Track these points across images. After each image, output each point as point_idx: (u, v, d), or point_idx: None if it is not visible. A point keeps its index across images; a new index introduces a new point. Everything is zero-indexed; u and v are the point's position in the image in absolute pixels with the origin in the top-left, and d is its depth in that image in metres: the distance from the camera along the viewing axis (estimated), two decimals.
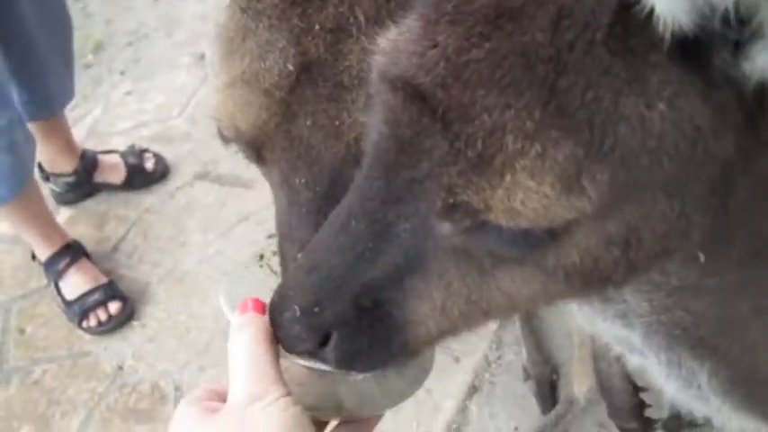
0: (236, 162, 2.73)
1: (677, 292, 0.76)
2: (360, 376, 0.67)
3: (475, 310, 0.63)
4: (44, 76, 2.16)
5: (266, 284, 0.83)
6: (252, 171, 2.67)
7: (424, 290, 0.61)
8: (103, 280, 2.31)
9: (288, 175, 0.78)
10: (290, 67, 0.75)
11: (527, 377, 2.03)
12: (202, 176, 2.66)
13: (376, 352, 0.64)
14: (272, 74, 0.75)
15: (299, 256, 0.69)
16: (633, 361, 1.04)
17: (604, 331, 0.98)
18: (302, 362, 0.66)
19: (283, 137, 0.77)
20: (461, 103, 0.53)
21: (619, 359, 1.25)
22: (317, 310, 0.62)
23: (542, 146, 0.51)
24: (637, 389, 1.35)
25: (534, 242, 0.56)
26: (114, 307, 2.26)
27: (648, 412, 1.39)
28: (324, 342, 0.63)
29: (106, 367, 2.19)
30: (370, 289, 0.62)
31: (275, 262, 0.88)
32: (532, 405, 1.99)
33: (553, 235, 0.56)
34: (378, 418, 0.73)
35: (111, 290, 2.29)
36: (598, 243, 0.58)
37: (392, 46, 0.59)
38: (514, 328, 2.13)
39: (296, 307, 0.62)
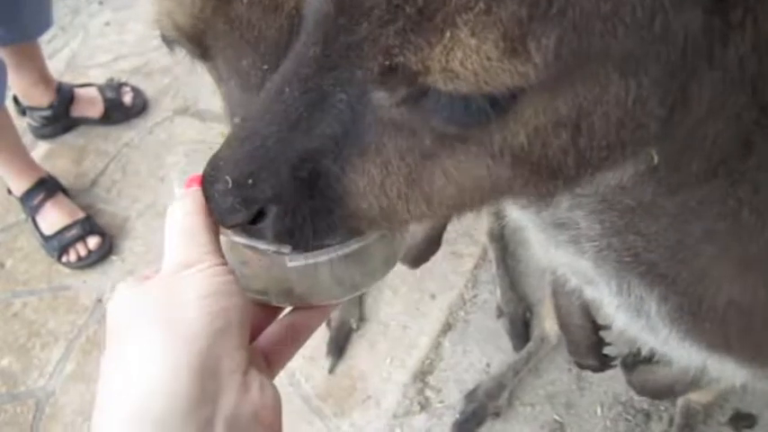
0: (216, 97, 2.69)
1: (630, 213, 0.75)
2: (301, 259, 0.63)
3: (416, 194, 0.60)
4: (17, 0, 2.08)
5: None
6: None
7: (361, 165, 0.58)
8: (81, 215, 2.30)
9: (234, 61, 0.75)
10: None
11: (500, 315, 2.05)
12: (182, 112, 2.62)
13: (315, 227, 0.61)
14: None
15: (234, 128, 0.65)
16: (588, 293, 1.04)
17: (558, 261, 0.97)
18: (244, 240, 0.63)
19: (223, 21, 0.74)
20: None
21: (577, 295, 1.25)
22: (250, 181, 0.59)
23: (486, 3, 0.48)
24: (596, 326, 1.36)
25: (477, 115, 0.53)
26: (93, 242, 2.27)
27: (607, 350, 1.40)
28: (259, 216, 0.60)
29: (86, 300, 2.21)
30: (307, 161, 0.58)
31: None
32: (505, 343, 2.03)
33: (496, 107, 0.53)
34: (331, 307, 0.71)
35: (89, 225, 2.28)
36: (546, 123, 0.55)
37: None
38: (490, 267, 2.14)
39: (227, 178, 0.59)
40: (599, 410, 1.88)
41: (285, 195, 0.59)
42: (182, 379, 0.51)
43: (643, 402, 1.85)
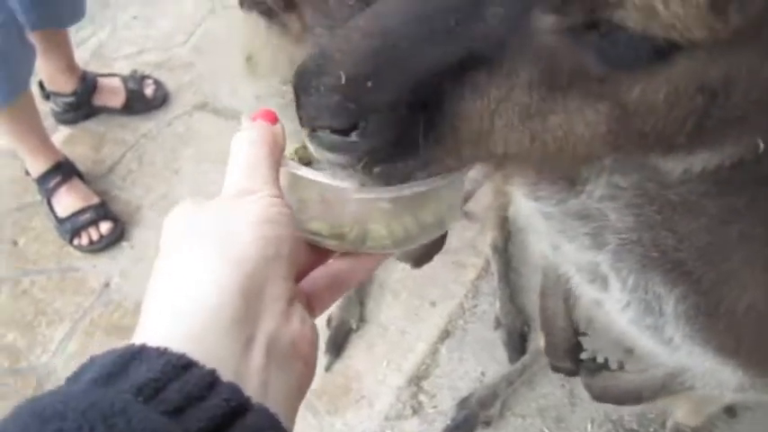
0: (234, 95, 2.76)
1: (670, 209, 0.73)
2: (365, 193, 0.60)
3: (522, 134, 0.56)
4: None
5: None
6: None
7: (484, 87, 0.54)
8: (95, 200, 2.35)
9: (320, 2, 0.74)
10: None
11: (498, 326, 2.08)
12: (201, 107, 2.68)
13: (407, 152, 0.56)
14: None
15: (357, 17, 0.57)
16: (587, 292, 1.03)
17: (567, 255, 0.96)
18: (316, 176, 0.61)
19: None
20: None
21: (569, 295, 1.27)
22: (369, 84, 0.52)
23: None
24: (576, 331, 1.37)
25: (634, 59, 0.50)
26: (105, 227, 2.31)
27: (583, 355, 1.42)
28: (354, 126, 0.54)
29: (93, 283, 2.25)
30: (431, 73, 0.53)
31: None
32: (501, 354, 2.05)
33: (658, 54, 0.50)
34: (379, 258, 0.68)
35: (102, 210, 2.33)
36: (690, 84, 0.53)
37: None
38: (492, 279, 2.17)
39: (341, 73, 0.53)
40: (589, 427, 1.89)
41: (399, 108, 0.53)
42: (228, 296, 0.51)
43: (633, 422, 1.87)
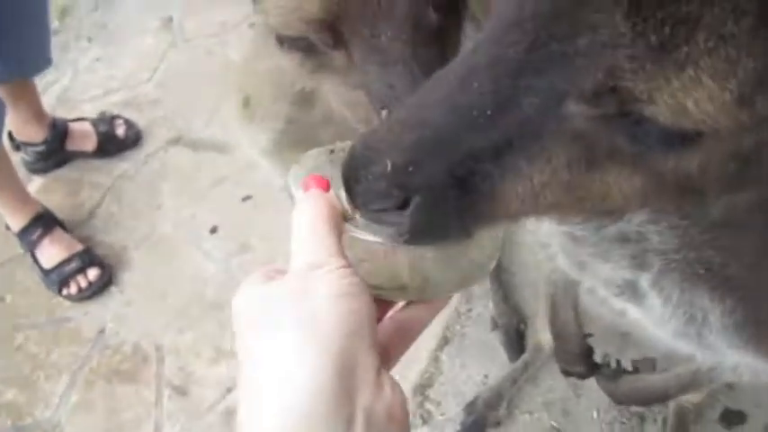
0: (209, 126, 2.77)
1: (715, 229, 0.75)
2: (424, 252, 0.64)
3: (566, 199, 0.60)
4: (15, 35, 2.08)
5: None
6: (226, 134, 2.68)
7: (525, 169, 0.57)
8: (79, 247, 2.34)
9: (372, 39, 0.76)
10: None
11: (494, 327, 2.11)
12: (175, 141, 2.68)
13: (450, 223, 0.60)
14: None
15: (397, 108, 0.63)
16: (615, 304, 1.04)
17: (597, 273, 0.97)
18: (367, 237, 0.64)
19: (352, 4, 0.75)
20: None
21: (575, 306, 1.30)
22: (411, 169, 0.57)
23: (736, 52, 0.48)
24: (585, 335, 1.41)
25: (665, 143, 0.53)
26: (93, 274, 2.30)
27: (596, 358, 1.46)
28: (403, 205, 0.58)
29: (87, 332, 2.23)
30: (470, 158, 0.57)
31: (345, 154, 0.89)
32: (501, 355, 2.09)
33: (690, 139, 0.53)
34: (443, 302, 0.72)
35: (88, 257, 2.32)
36: (723, 156, 0.56)
37: None
38: (484, 282, 2.21)
39: (388, 162, 0.57)
40: (595, 415, 1.94)
41: (438, 188, 0.58)
42: (324, 378, 0.52)
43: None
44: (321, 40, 0.79)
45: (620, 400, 1.46)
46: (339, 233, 0.63)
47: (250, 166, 2.57)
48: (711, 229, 0.74)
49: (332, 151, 0.82)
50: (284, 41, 0.83)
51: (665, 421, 1.89)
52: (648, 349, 1.93)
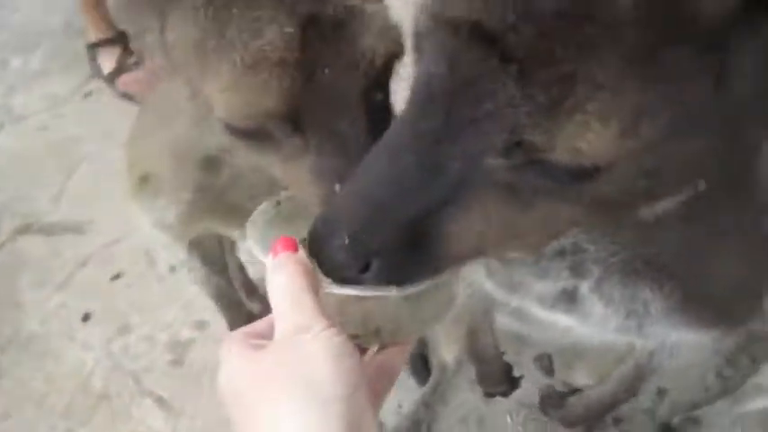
0: (57, 208, 2.58)
1: (644, 227, 0.81)
2: (394, 292, 0.69)
3: (507, 236, 0.68)
4: None
5: (292, 224, 0.85)
6: (81, 213, 2.52)
7: (463, 219, 0.65)
8: None
9: (327, 124, 0.79)
10: (292, 29, 0.76)
11: None
12: (24, 230, 2.46)
13: (412, 271, 0.68)
14: (276, 44, 0.76)
15: (345, 186, 0.71)
16: (545, 317, 1.11)
17: (530, 290, 1.04)
18: (338, 290, 0.68)
19: (310, 93, 0.78)
20: (535, 49, 0.56)
21: (492, 330, 1.37)
22: (365, 238, 0.65)
23: (612, 94, 0.56)
24: (501, 353, 1.47)
25: (579, 176, 0.61)
26: None
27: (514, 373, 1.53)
28: (365, 268, 0.66)
29: None
30: (414, 219, 0.65)
31: (291, 205, 0.89)
32: (410, 381, 2.13)
33: (595, 171, 0.61)
34: (411, 342, 0.78)
35: None
36: (633, 175, 0.64)
37: None
38: None
39: (344, 235, 0.65)
40: (509, 419, 2.04)
41: (392, 248, 0.65)
42: None
43: None
44: (280, 129, 0.81)
45: (574, 422, 1.53)
46: (316, 292, 0.66)
47: (114, 242, 2.44)
48: (641, 227, 0.80)
49: (278, 203, 0.84)
50: (236, 132, 0.83)
51: None
52: (544, 347, 2.10)
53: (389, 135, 0.67)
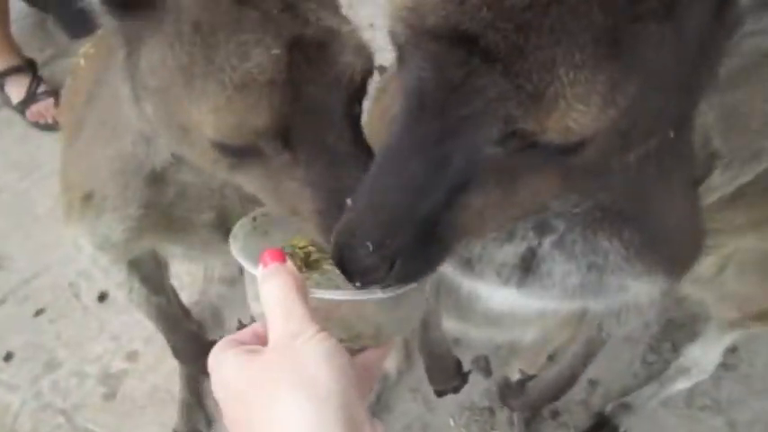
0: (11, 237, 2.44)
1: (605, 175, 0.85)
2: (379, 294, 0.74)
3: (506, 212, 0.74)
4: None
5: (268, 237, 0.90)
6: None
7: (468, 203, 0.70)
8: None
9: (316, 139, 0.82)
10: (278, 51, 0.79)
11: None
12: None
13: (428, 261, 0.73)
14: (264, 66, 0.79)
15: (357, 197, 0.75)
16: (502, 296, 1.15)
17: (497, 259, 1.07)
18: (330, 294, 0.74)
19: (298, 111, 0.81)
20: (514, 43, 0.61)
21: (440, 327, 1.40)
22: (388, 242, 0.69)
23: (590, 72, 0.62)
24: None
25: (568, 152, 0.67)
26: None
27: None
28: (391, 267, 0.71)
29: None
30: (427, 216, 0.69)
31: (266, 220, 0.92)
32: None
33: (583, 143, 0.67)
34: (391, 344, 0.82)
35: None
36: (610, 138, 0.70)
37: (415, 1, 0.66)
38: None
39: (368, 243, 0.69)
40: (451, 422, 2.08)
41: (413, 246, 0.70)
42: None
43: (484, 400, 2.10)
44: (270, 146, 0.83)
45: (538, 405, 1.56)
46: (306, 300, 0.70)
47: (34, 277, 2.34)
48: (601, 175, 0.84)
49: (254, 219, 0.87)
50: (228, 151, 0.84)
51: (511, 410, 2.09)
52: (481, 348, 2.16)
53: (390, 144, 0.71)
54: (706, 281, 1.63)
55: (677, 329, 2.25)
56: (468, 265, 1.07)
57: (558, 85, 0.62)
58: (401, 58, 0.70)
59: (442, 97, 0.66)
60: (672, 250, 1.07)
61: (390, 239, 0.70)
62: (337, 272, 0.73)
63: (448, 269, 1.10)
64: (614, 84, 0.64)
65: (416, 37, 0.66)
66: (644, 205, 0.98)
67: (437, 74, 0.65)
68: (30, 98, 2.77)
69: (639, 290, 1.10)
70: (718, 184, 1.29)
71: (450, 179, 0.69)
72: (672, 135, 0.81)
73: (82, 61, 1.46)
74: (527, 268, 1.06)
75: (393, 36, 0.70)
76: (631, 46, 0.63)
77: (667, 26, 0.65)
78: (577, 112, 0.63)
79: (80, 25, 2.41)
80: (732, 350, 2.15)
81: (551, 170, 0.72)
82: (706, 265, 1.57)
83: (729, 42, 0.74)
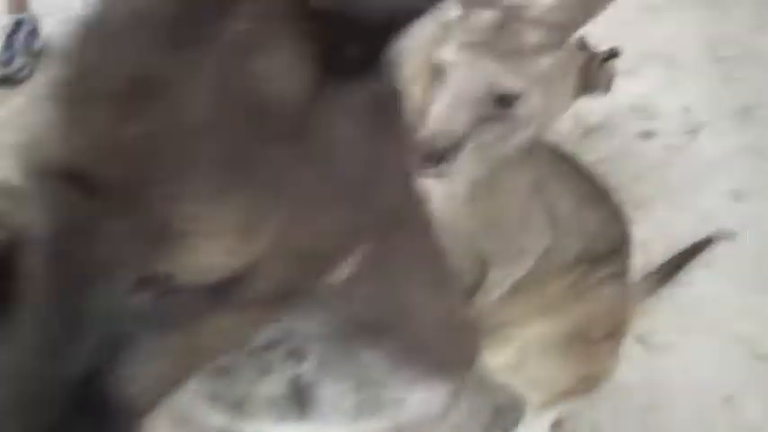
0: None
1: (338, 288, 0.77)
2: None
3: (191, 364, 0.65)
4: None
5: None
6: None
7: (135, 362, 0.60)
8: None
9: None
10: None
11: None
12: None
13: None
14: None
15: None
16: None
17: (264, 395, 0.96)
18: None
19: None
20: (132, 179, 0.54)
21: None
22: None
23: (217, 204, 0.54)
24: None
25: (226, 286, 0.58)
26: None
27: None
28: None
29: None
30: (82, 383, 0.58)
31: None
32: None
33: (242, 276, 0.58)
34: None
35: None
36: (290, 263, 0.61)
37: (32, 137, 0.57)
38: None
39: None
40: None
41: (70, 421, 0.58)
42: None
43: None
44: None
45: None
46: None
47: None
48: (333, 289, 0.77)
49: None
50: None
51: None
52: None
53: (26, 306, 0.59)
54: (512, 369, 1.68)
55: (504, 414, 2.29)
56: (239, 407, 0.98)
57: (182, 222, 0.55)
58: (30, 199, 0.61)
59: (68, 243, 0.57)
60: (440, 352, 1.03)
61: (34, 422, 0.57)
62: None
63: (220, 419, 1.01)
64: (252, 213, 0.57)
65: (35, 175, 0.58)
66: (394, 311, 0.91)
67: (58, 216, 0.57)
68: None
69: (421, 398, 1.06)
70: (494, 283, 1.36)
71: (97, 334, 0.58)
72: (398, 238, 0.78)
73: None
74: (300, 397, 1.00)
75: (17, 175, 0.61)
76: (269, 170, 0.58)
77: (303, 146, 0.59)
78: (211, 248, 0.56)
79: None
80: (557, 424, 2.21)
81: (224, 310, 0.63)
82: (507, 355, 1.63)
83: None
